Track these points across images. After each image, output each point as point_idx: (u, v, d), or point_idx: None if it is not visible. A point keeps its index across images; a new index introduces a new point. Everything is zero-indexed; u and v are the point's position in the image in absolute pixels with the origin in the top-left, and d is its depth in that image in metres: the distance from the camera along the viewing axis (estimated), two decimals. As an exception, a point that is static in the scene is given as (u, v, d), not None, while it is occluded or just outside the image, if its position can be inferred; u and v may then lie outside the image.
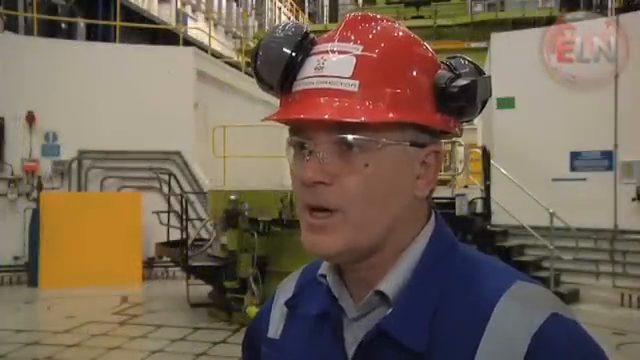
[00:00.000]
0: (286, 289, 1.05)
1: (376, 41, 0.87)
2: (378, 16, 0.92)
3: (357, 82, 0.84)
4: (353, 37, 0.88)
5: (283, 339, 1.00)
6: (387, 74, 0.85)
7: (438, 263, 0.89)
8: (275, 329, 1.02)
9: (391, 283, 0.88)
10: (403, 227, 0.89)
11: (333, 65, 0.86)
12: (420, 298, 0.86)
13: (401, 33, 0.91)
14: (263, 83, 0.92)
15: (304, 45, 0.89)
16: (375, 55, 0.86)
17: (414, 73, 0.87)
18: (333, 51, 0.87)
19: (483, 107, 0.93)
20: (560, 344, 0.80)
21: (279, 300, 1.05)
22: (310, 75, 0.87)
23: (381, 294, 0.88)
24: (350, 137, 0.84)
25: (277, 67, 0.88)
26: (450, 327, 0.83)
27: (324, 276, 0.94)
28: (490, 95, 0.93)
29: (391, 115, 0.84)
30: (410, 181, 0.89)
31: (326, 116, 0.83)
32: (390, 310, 0.87)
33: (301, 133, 0.88)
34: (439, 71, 0.89)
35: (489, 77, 0.93)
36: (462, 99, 0.88)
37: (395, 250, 0.89)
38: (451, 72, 0.90)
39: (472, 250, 0.95)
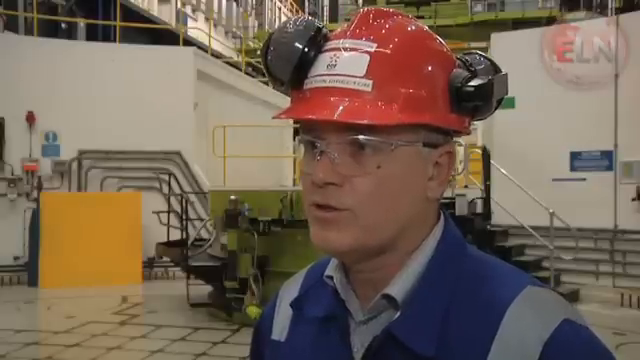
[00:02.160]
0: (290, 290, 1.03)
1: (390, 38, 0.85)
2: (392, 10, 0.90)
3: (371, 82, 0.82)
4: (367, 33, 0.85)
5: (288, 341, 0.98)
6: (401, 73, 0.83)
7: (447, 265, 0.87)
8: (279, 331, 1.00)
9: (399, 286, 0.86)
10: (413, 228, 0.87)
11: (346, 63, 0.83)
12: (429, 302, 0.84)
13: (416, 28, 0.88)
14: (274, 79, 0.89)
15: (317, 40, 0.86)
16: (389, 53, 0.83)
17: (429, 72, 0.85)
18: (346, 48, 0.84)
19: (499, 105, 0.91)
20: (572, 351, 0.79)
21: (283, 301, 1.03)
22: (322, 73, 0.84)
23: (389, 297, 0.86)
24: (362, 138, 0.82)
25: (289, 63, 0.86)
26: (460, 332, 0.82)
27: (331, 277, 0.92)
28: (507, 93, 0.90)
29: (405, 117, 0.81)
30: (422, 182, 0.86)
31: (335, 116, 0.81)
32: (398, 314, 0.85)
33: (312, 132, 0.85)
34: (455, 70, 0.87)
35: (506, 74, 0.90)
36: (478, 99, 0.86)
37: (404, 251, 0.87)
38: (467, 69, 0.88)
39: (480, 252, 0.93)
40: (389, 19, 0.87)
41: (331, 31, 0.90)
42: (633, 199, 9.45)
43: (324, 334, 0.92)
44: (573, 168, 10.10)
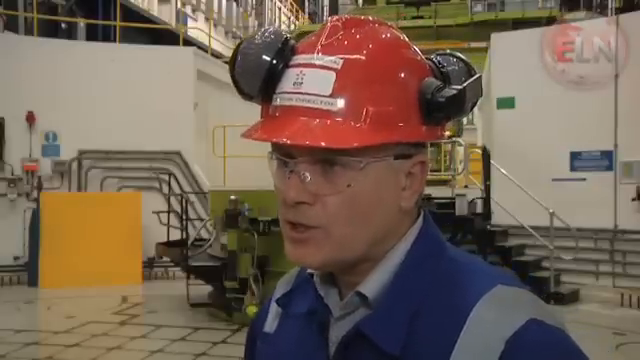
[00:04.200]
0: (283, 287, 1.05)
1: (357, 52, 0.83)
2: (363, 18, 0.88)
3: (336, 100, 0.81)
4: (334, 48, 0.83)
5: (276, 334, 1.01)
6: (368, 91, 0.82)
7: (421, 265, 0.87)
8: (270, 324, 1.03)
9: (372, 284, 0.87)
10: (388, 237, 0.88)
11: (312, 81, 0.82)
12: (399, 300, 0.85)
13: (387, 37, 0.87)
14: (242, 93, 0.88)
15: (285, 52, 0.85)
16: (356, 70, 0.82)
17: (399, 84, 0.84)
18: (312, 64, 0.83)
19: (472, 108, 0.90)
20: (535, 351, 0.77)
21: (276, 297, 1.06)
22: (289, 90, 0.83)
23: (361, 295, 0.87)
24: (331, 158, 0.81)
25: (257, 76, 0.85)
26: (428, 331, 0.82)
27: (312, 275, 0.95)
28: (481, 96, 0.90)
29: (374, 137, 0.80)
30: (395, 193, 0.86)
31: (302, 140, 0.80)
32: (370, 312, 0.87)
33: (282, 150, 0.85)
34: (425, 79, 0.85)
35: (479, 78, 0.89)
36: (449, 109, 0.85)
37: (379, 257, 0.88)
38: (439, 72, 0.88)
39: (461, 252, 0.93)
40: (358, 30, 0.86)
41: (304, 34, 0.89)
42: (633, 199, 9.45)
43: (306, 328, 0.94)
44: (573, 168, 10.10)
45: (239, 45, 0.89)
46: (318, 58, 0.83)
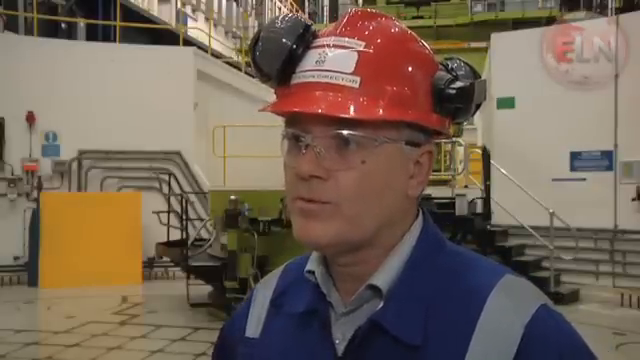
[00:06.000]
0: (265, 289, 1.04)
1: (378, 38, 0.87)
2: (377, 12, 0.92)
3: (358, 78, 0.84)
4: (355, 33, 0.87)
5: (264, 338, 0.99)
6: (388, 72, 0.86)
7: (428, 259, 0.90)
8: (254, 328, 1.01)
9: (383, 277, 0.88)
10: (394, 224, 0.90)
11: (335, 60, 0.85)
12: (413, 292, 0.87)
13: (402, 31, 0.91)
14: (261, 74, 0.91)
15: (305, 38, 0.88)
16: (377, 52, 0.86)
17: (414, 72, 0.88)
18: (334, 45, 0.86)
19: (476, 110, 0.93)
20: (551, 333, 0.83)
21: (258, 299, 1.04)
22: (310, 68, 0.86)
23: (374, 288, 0.88)
24: (347, 133, 0.84)
25: (277, 58, 0.88)
26: (443, 321, 0.84)
27: (312, 272, 0.93)
28: (485, 99, 0.94)
29: (390, 113, 0.84)
30: (404, 180, 0.89)
31: (320, 110, 0.83)
32: (382, 304, 0.87)
33: (298, 126, 0.87)
34: (438, 72, 0.90)
35: (485, 81, 0.93)
36: (459, 101, 0.89)
37: (385, 246, 0.89)
38: (448, 73, 0.91)
39: (460, 247, 0.96)
40: (377, 21, 0.90)
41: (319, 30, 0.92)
42: (633, 199, 9.45)
43: (303, 328, 0.93)
44: (573, 168, 10.10)
45: (259, 30, 0.92)
46: (341, 40, 0.87)
